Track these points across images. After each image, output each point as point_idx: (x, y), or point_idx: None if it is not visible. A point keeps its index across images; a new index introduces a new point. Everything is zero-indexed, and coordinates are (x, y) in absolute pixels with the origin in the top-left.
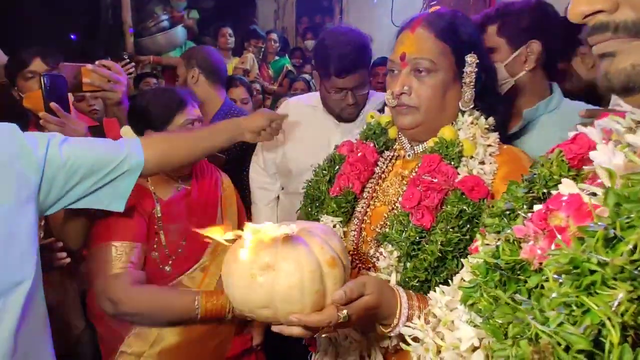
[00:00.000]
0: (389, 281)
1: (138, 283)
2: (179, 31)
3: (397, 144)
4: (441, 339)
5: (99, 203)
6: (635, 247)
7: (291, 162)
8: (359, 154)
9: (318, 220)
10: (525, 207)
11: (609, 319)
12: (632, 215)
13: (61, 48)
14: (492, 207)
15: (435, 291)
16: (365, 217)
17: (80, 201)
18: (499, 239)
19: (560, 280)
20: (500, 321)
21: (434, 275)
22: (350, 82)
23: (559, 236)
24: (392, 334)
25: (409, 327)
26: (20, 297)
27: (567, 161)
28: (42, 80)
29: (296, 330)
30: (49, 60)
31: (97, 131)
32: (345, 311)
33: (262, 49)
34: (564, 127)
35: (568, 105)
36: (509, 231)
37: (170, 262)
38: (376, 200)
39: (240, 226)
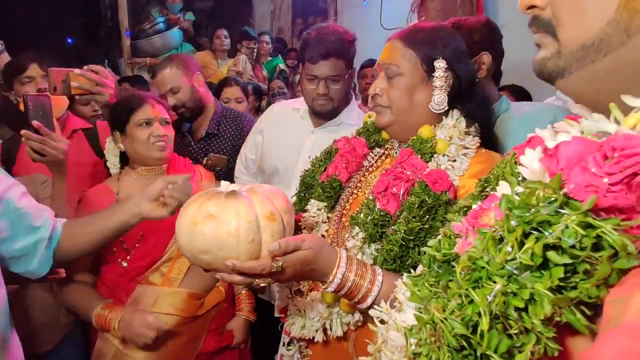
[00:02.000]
0: None
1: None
2: (175, 33)
3: (388, 143)
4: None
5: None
6: (513, 248)
7: (266, 162)
8: (350, 147)
9: (306, 207)
10: (479, 203)
11: (483, 309)
12: (518, 219)
13: (59, 50)
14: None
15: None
16: (347, 205)
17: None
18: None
19: (462, 274)
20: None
21: (400, 265)
22: (323, 70)
23: (470, 235)
24: (328, 290)
25: (376, 309)
26: None
27: (519, 163)
28: (25, 100)
29: (235, 278)
30: (45, 65)
31: (91, 133)
32: (280, 262)
33: (255, 50)
34: (520, 122)
35: (517, 104)
36: (450, 227)
37: (128, 257)
38: (359, 190)
39: None
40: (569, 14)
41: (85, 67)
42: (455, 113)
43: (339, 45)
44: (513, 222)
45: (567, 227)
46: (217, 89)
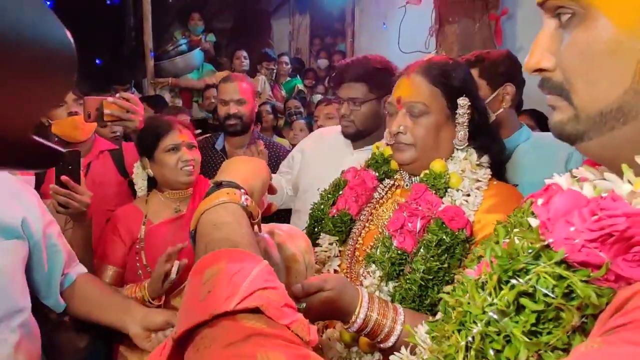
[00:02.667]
0: None
1: None
2: (197, 54)
3: (397, 174)
4: None
5: None
6: (491, 294)
7: (302, 178)
8: (359, 180)
9: (317, 242)
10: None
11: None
12: (497, 268)
13: (87, 70)
14: (474, 249)
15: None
16: (359, 239)
17: None
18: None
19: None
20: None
21: (419, 304)
22: (344, 92)
23: (465, 277)
24: (350, 329)
25: (397, 356)
26: (19, 322)
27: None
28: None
29: None
30: (77, 90)
31: (116, 153)
32: (303, 303)
33: (274, 71)
34: (539, 153)
35: (538, 135)
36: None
37: None
38: (371, 223)
39: None
40: (582, 81)
41: (117, 95)
42: (468, 145)
43: (362, 70)
44: (493, 270)
45: (540, 276)
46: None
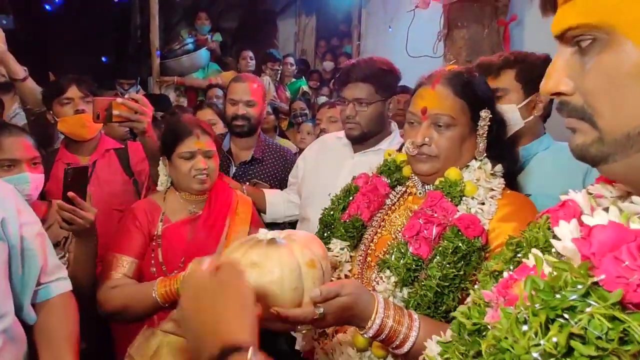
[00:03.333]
0: None
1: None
2: (203, 53)
3: (410, 181)
4: None
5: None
6: (536, 333)
7: (304, 185)
8: (372, 186)
9: (328, 247)
10: (511, 269)
11: None
12: (543, 303)
13: (93, 68)
14: (487, 263)
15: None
16: (371, 244)
17: None
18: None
19: (488, 353)
20: None
21: (434, 311)
22: (350, 92)
23: (499, 309)
24: (366, 335)
25: None
26: (1, 328)
27: (552, 228)
28: (65, 172)
29: (276, 325)
30: (84, 87)
31: (122, 152)
32: (321, 309)
33: (279, 72)
34: (557, 163)
35: (558, 145)
36: (480, 295)
37: None
38: (383, 229)
39: None
40: (608, 105)
41: (127, 96)
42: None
43: (368, 71)
44: (537, 305)
45: (592, 317)
46: (174, 111)
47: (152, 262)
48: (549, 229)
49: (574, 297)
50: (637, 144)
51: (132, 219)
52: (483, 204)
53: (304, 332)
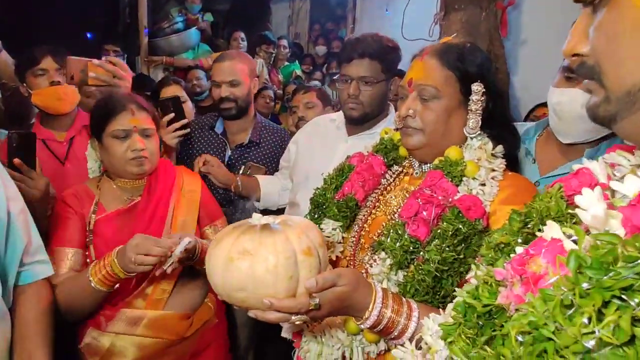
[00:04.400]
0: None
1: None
2: (193, 33)
3: (406, 161)
4: None
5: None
6: (590, 319)
7: (297, 170)
8: (367, 165)
9: (320, 227)
10: (520, 241)
11: None
12: (592, 283)
13: (78, 46)
14: (489, 236)
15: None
16: (365, 225)
17: None
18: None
19: (520, 340)
20: None
21: (433, 296)
22: (355, 70)
23: (527, 294)
24: (363, 326)
25: (400, 350)
26: None
27: (566, 197)
28: (9, 138)
29: (270, 316)
30: (59, 59)
31: None
32: (317, 299)
33: (273, 54)
34: None
35: None
36: (490, 272)
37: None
38: (378, 210)
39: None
40: (610, 62)
41: (103, 59)
42: (481, 134)
43: (376, 47)
44: (585, 285)
45: None
46: (155, 89)
47: (87, 260)
48: (562, 198)
49: (630, 274)
50: (638, 102)
51: (64, 208)
52: (484, 185)
53: (297, 323)
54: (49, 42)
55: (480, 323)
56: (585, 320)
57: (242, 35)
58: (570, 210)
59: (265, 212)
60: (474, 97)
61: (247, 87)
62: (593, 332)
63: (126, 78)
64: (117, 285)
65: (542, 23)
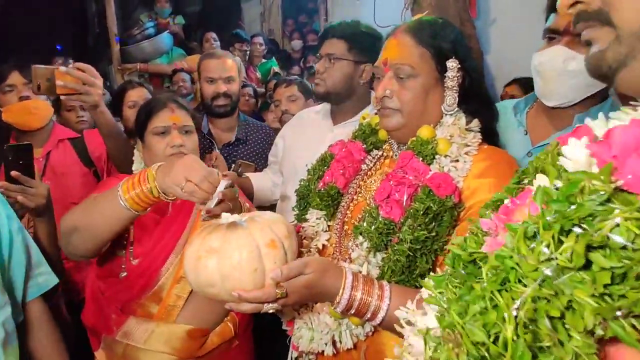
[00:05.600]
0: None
1: None
2: (165, 38)
3: (386, 144)
4: None
5: None
6: (549, 246)
7: (285, 164)
8: (347, 152)
9: (305, 218)
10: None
11: (507, 315)
12: (556, 216)
13: (48, 58)
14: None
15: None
16: (348, 212)
17: None
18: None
19: (489, 276)
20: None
21: (409, 275)
22: (323, 49)
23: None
24: (336, 310)
25: (402, 310)
26: (3, 319)
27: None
28: (6, 151)
29: (243, 307)
30: (27, 73)
31: (78, 142)
32: (284, 289)
33: (247, 52)
34: None
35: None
36: (477, 224)
37: (131, 259)
38: (359, 196)
39: None
40: None
41: (71, 65)
42: (458, 110)
43: (345, 27)
44: (549, 218)
45: (617, 225)
46: (118, 97)
47: (124, 242)
48: (558, 154)
49: (593, 205)
50: None
51: (112, 178)
52: (457, 161)
53: (270, 311)
54: (18, 55)
55: (465, 272)
56: (545, 249)
57: (214, 35)
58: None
59: (259, 208)
60: (449, 74)
61: (238, 84)
62: (551, 259)
63: (96, 84)
64: (148, 210)
65: (511, 3)
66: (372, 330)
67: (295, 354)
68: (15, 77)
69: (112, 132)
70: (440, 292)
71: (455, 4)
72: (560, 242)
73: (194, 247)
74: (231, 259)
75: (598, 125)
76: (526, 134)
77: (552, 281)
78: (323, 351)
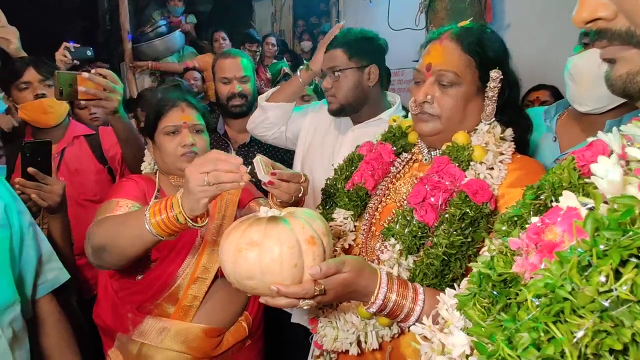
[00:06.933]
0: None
1: None
2: (177, 36)
3: (415, 147)
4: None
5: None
6: (607, 277)
7: (306, 169)
8: (376, 153)
9: (331, 217)
10: (532, 214)
11: (569, 350)
12: (609, 244)
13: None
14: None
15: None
16: (376, 213)
17: None
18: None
19: (537, 304)
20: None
21: (441, 279)
22: (324, 64)
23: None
24: (370, 310)
25: (418, 326)
26: (11, 317)
27: (579, 169)
28: (23, 148)
29: (279, 301)
30: (43, 70)
31: (93, 139)
32: (322, 285)
33: (258, 53)
34: None
35: None
36: (505, 243)
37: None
38: (388, 198)
39: None
40: None
41: (93, 71)
42: (493, 119)
43: (342, 38)
44: (602, 247)
45: None
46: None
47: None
48: (574, 169)
49: None
50: None
51: (128, 180)
52: (492, 168)
53: (305, 308)
54: (29, 52)
55: (495, 292)
56: (603, 279)
57: (224, 35)
58: (582, 181)
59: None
60: (491, 84)
61: (254, 84)
62: (610, 291)
63: (117, 90)
64: (174, 236)
65: (525, 6)
66: (399, 332)
67: (317, 352)
68: (31, 74)
69: (129, 137)
70: (462, 311)
71: (471, 8)
72: (618, 273)
73: (233, 238)
74: (272, 253)
75: (613, 139)
76: (555, 141)
77: (609, 313)
78: (347, 351)
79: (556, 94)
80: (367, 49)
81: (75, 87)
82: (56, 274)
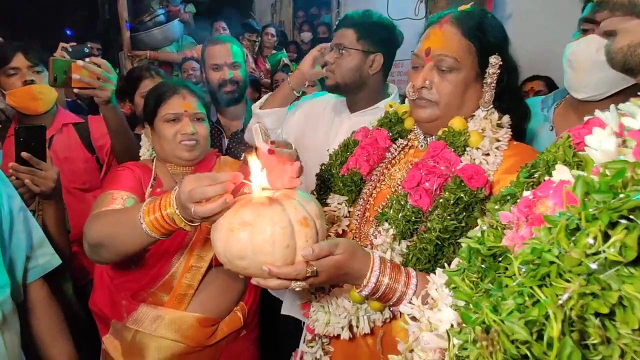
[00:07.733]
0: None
1: None
2: (176, 25)
3: (412, 134)
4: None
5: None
6: (595, 239)
7: (302, 157)
8: (372, 139)
9: (326, 202)
10: (525, 191)
11: (553, 312)
12: (599, 207)
13: (56, 43)
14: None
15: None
16: (370, 199)
17: None
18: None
19: (523, 270)
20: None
21: (434, 264)
22: (334, 40)
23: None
24: (362, 293)
25: (407, 306)
26: (0, 300)
27: (574, 146)
28: (16, 132)
29: (271, 282)
30: (31, 56)
31: (82, 128)
32: (314, 267)
33: (257, 43)
34: None
35: None
36: (496, 217)
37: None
38: (382, 183)
39: None
40: None
41: (88, 60)
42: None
43: (356, 17)
44: (591, 210)
45: None
46: (132, 84)
47: None
48: (570, 147)
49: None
50: None
51: (123, 169)
52: (488, 154)
53: (297, 289)
54: (27, 41)
55: (484, 267)
56: (591, 241)
57: (224, 25)
58: (577, 159)
59: None
60: (490, 70)
61: (246, 70)
62: (598, 253)
63: (111, 80)
64: (170, 235)
65: None
66: (390, 316)
67: (309, 337)
68: (19, 60)
69: (119, 128)
70: (454, 288)
71: None
72: (607, 235)
73: (226, 218)
74: (264, 233)
75: (610, 117)
76: (552, 130)
77: (597, 276)
78: (339, 335)
79: (550, 85)
80: (378, 36)
81: (69, 75)
82: (48, 259)
